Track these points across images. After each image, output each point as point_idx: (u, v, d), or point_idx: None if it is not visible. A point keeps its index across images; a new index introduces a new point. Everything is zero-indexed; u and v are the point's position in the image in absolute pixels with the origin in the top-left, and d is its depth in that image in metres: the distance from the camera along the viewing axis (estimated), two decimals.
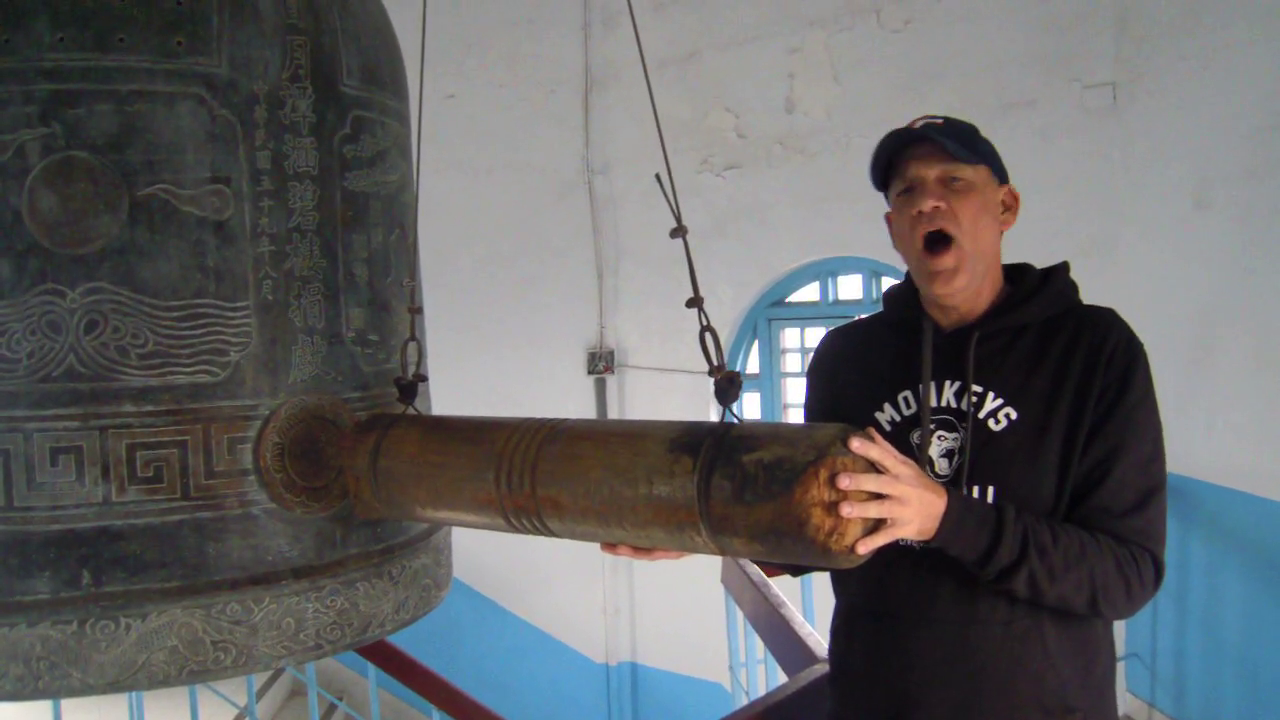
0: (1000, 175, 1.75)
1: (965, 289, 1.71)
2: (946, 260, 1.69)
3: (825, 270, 5.46)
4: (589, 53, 5.85)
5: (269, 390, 1.69)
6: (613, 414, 6.09)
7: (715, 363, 1.48)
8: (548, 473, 1.50)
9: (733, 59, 5.37)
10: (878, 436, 1.38)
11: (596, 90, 5.88)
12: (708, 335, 1.49)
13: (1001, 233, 1.76)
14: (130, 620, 1.58)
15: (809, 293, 5.69)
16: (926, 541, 1.51)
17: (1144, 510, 1.62)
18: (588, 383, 6.10)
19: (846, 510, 1.29)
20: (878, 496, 1.36)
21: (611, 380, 6.09)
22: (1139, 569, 1.60)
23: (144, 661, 1.58)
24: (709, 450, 1.36)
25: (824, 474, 1.28)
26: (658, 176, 1.58)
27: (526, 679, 6.20)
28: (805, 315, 5.70)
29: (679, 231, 1.58)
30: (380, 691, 3.61)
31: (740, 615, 3.90)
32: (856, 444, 1.33)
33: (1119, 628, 3.90)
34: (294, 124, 1.72)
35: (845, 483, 1.29)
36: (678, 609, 5.81)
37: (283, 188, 1.70)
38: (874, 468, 1.37)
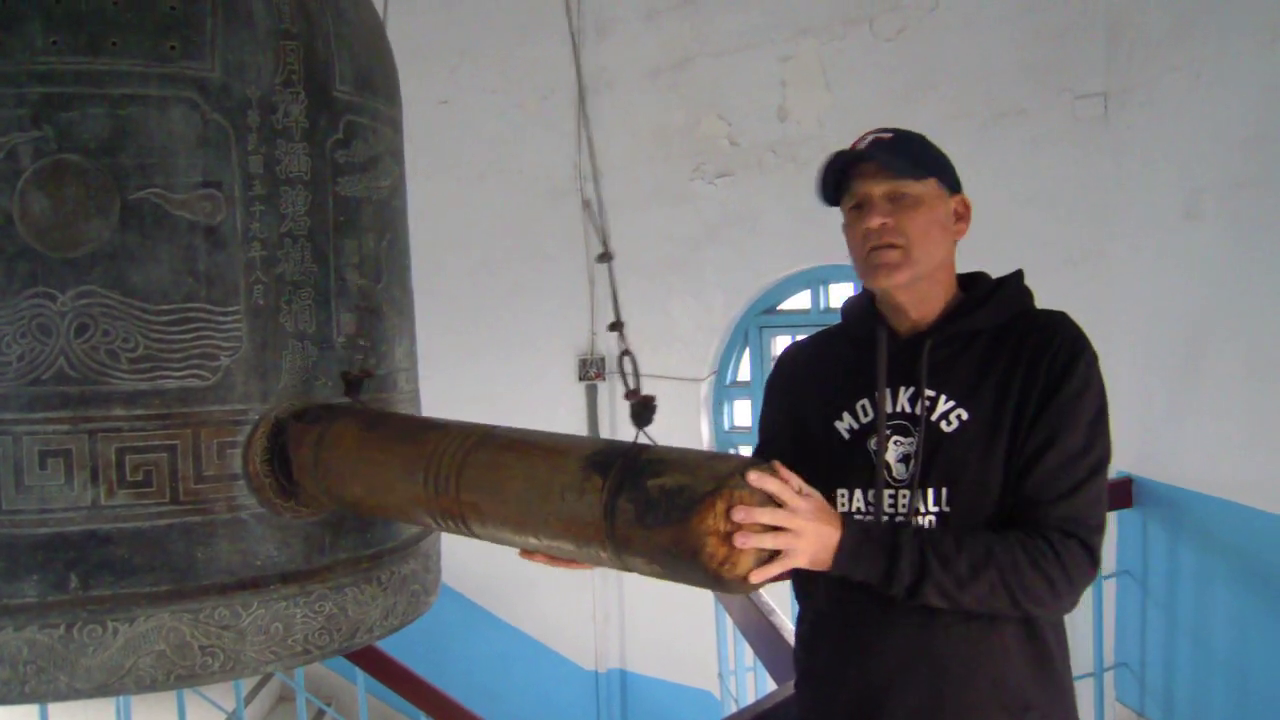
0: (951, 185, 1.77)
1: (907, 285, 1.75)
2: (891, 255, 1.72)
3: (816, 278, 5.45)
4: (581, 60, 5.85)
5: (259, 395, 1.69)
6: (604, 420, 6.08)
7: (631, 386, 1.55)
8: (471, 479, 1.53)
9: (725, 67, 5.37)
10: (781, 469, 1.43)
11: (589, 97, 5.88)
12: (626, 359, 1.57)
13: (954, 242, 1.79)
14: (118, 624, 1.58)
15: (800, 300, 5.69)
16: (825, 571, 1.54)
17: (1073, 497, 1.65)
18: (579, 389, 6.09)
19: (740, 541, 1.33)
20: (774, 528, 1.39)
21: (603, 387, 6.09)
22: (1060, 559, 1.61)
23: (131, 666, 1.58)
24: (618, 472, 1.40)
25: (720, 505, 1.32)
26: (586, 203, 1.67)
27: (515, 685, 6.19)
28: (796, 323, 5.70)
29: (605, 257, 1.65)
30: (369, 697, 3.61)
31: (729, 622, 3.91)
32: (754, 477, 1.37)
33: (1108, 637, 3.92)
34: (286, 129, 1.72)
35: (739, 515, 1.33)
36: (667, 616, 5.80)
37: (274, 193, 1.71)
38: (772, 500, 1.40)
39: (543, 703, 6.22)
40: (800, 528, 1.43)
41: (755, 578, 1.37)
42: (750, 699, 3.85)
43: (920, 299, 1.78)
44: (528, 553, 1.58)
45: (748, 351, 5.83)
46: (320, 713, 5.80)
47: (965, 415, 1.71)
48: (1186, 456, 3.63)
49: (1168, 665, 3.81)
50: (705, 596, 4.17)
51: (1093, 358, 1.70)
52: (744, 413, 5.94)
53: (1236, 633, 3.47)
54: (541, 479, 1.46)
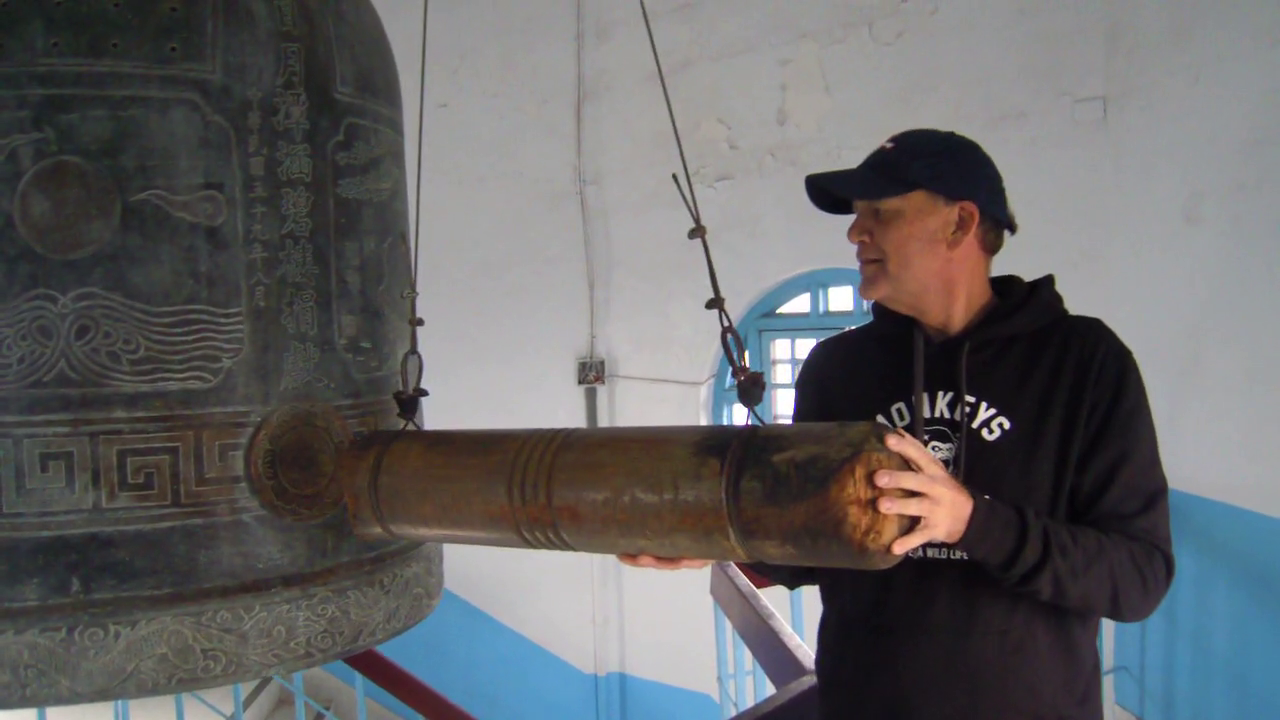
0: (950, 193, 1.71)
1: (891, 298, 1.77)
2: (867, 269, 1.76)
3: (816, 281, 5.46)
4: (581, 63, 5.86)
5: (260, 397, 1.68)
6: (603, 424, 6.08)
7: (738, 364, 1.48)
8: (564, 482, 1.45)
9: (725, 70, 5.38)
10: (907, 435, 1.37)
11: (589, 101, 5.88)
12: (729, 336, 1.48)
13: (953, 250, 1.73)
14: (119, 628, 1.57)
15: (800, 304, 5.70)
16: (953, 545, 1.51)
17: (1150, 512, 1.65)
18: (578, 392, 6.09)
19: (886, 506, 1.27)
20: (911, 495, 1.34)
21: (602, 390, 6.09)
22: (1151, 565, 1.62)
23: (133, 669, 1.57)
24: (737, 452, 1.33)
25: (860, 471, 1.26)
26: (674, 176, 1.57)
27: (515, 689, 6.18)
28: (796, 326, 5.71)
29: (697, 232, 1.57)
30: (368, 701, 3.60)
31: (729, 626, 3.90)
32: (893, 441, 1.32)
33: (1107, 640, 3.92)
34: (287, 131, 1.72)
35: (884, 480, 1.27)
36: (667, 620, 5.80)
37: (276, 194, 1.70)
38: (907, 466, 1.35)
39: (542, 706, 6.22)
40: (940, 495, 1.38)
41: (898, 548, 1.30)
42: (750, 703, 3.85)
43: (925, 309, 1.76)
44: (630, 556, 1.48)
45: (747, 355, 5.82)
46: (319, 716, 5.78)
47: (1007, 424, 1.68)
48: (1185, 459, 3.63)
49: (1167, 668, 3.81)
50: (704, 600, 4.16)
51: (1136, 366, 1.69)
52: (743, 416, 5.93)
53: (1235, 636, 3.48)
54: (646, 471, 1.39)
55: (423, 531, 1.68)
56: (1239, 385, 3.45)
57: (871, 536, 1.27)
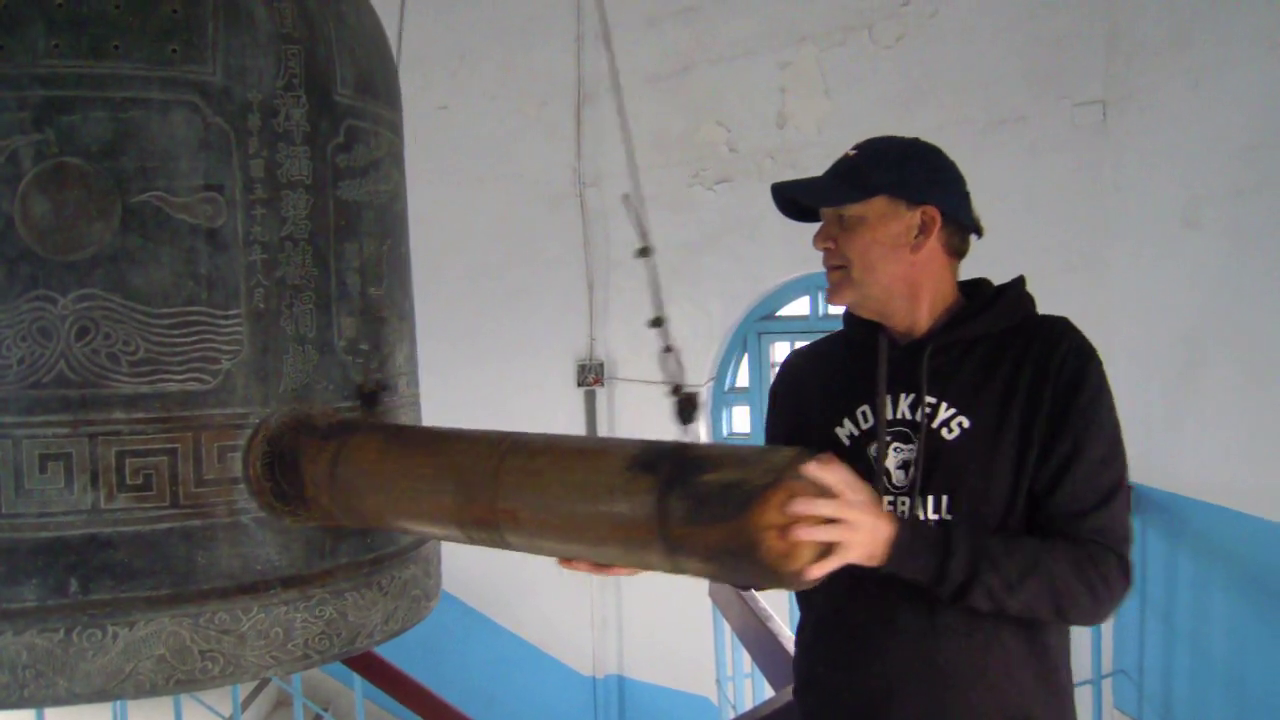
0: (912, 198, 1.74)
1: (859, 304, 1.82)
2: (833, 276, 1.81)
3: (815, 284, 5.46)
4: (581, 65, 5.86)
5: (260, 399, 1.69)
6: (602, 426, 6.08)
7: (678, 382, 1.51)
8: (508, 486, 1.49)
9: (725, 73, 5.38)
10: (834, 461, 1.40)
11: (589, 103, 5.88)
12: (669, 355, 1.52)
13: (917, 252, 1.75)
14: (117, 629, 1.57)
15: (799, 307, 5.70)
16: (876, 567, 1.53)
17: (1104, 509, 1.65)
18: (577, 395, 6.09)
19: (799, 534, 1.30)
20: (830, 521, 1.37)
21: (601, 392, 6.08)
22: (1101, 570, 1.62)
23: (131, 670, 1.57)
24: (667, 470, 1.36)
25: (778, 498, 1.29)
26: (625, 197, 1.61)
27: (513, 691, 6.18)
28: (795, 329, 5.71)
29: (645, 252, 1.61)
30: (366, 703, 3.60)
31: (727, 629, 3.90)
32: (811, 469, 1.35)
33: (1105, 644, 3.91)
34: (287, 133, 1.72)
35: (800, 507, 1.30)
36: (665, 622, 5.79)
37: (276, 196, 1.70)
38: (826, 493, 1.38)
39: (540, 708, 6.21)
40: (857, 520, 1.41)
41: (814, 572, 1.34)
42: (748, 705, 3.85)
43: (891, 314, 1.79)
44: (568, 561, 1.53)
45: (746, 357, 5.83)
46: (317, 717, 5.78)
47: (967, 423, 1.70)
48: (1184, 463, 3.64)
49: (1166, 672, 3.81)
50: (703, 602, 4.17)
51: (1099, 362, 1.70)
52: (742, 419, 5.94)
53: (1234, 639, 3.47)
54: (584, 482, 1.43)
55: (377, 521, 1.71)
56: (1238, 389, 3.45)
57: (785, 561, 1.30)
